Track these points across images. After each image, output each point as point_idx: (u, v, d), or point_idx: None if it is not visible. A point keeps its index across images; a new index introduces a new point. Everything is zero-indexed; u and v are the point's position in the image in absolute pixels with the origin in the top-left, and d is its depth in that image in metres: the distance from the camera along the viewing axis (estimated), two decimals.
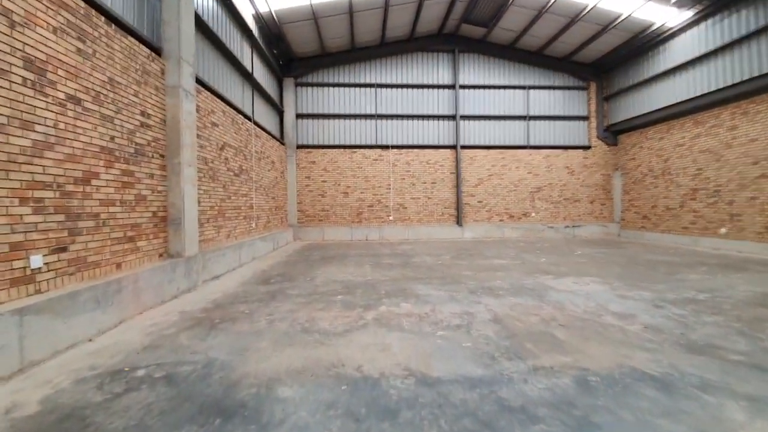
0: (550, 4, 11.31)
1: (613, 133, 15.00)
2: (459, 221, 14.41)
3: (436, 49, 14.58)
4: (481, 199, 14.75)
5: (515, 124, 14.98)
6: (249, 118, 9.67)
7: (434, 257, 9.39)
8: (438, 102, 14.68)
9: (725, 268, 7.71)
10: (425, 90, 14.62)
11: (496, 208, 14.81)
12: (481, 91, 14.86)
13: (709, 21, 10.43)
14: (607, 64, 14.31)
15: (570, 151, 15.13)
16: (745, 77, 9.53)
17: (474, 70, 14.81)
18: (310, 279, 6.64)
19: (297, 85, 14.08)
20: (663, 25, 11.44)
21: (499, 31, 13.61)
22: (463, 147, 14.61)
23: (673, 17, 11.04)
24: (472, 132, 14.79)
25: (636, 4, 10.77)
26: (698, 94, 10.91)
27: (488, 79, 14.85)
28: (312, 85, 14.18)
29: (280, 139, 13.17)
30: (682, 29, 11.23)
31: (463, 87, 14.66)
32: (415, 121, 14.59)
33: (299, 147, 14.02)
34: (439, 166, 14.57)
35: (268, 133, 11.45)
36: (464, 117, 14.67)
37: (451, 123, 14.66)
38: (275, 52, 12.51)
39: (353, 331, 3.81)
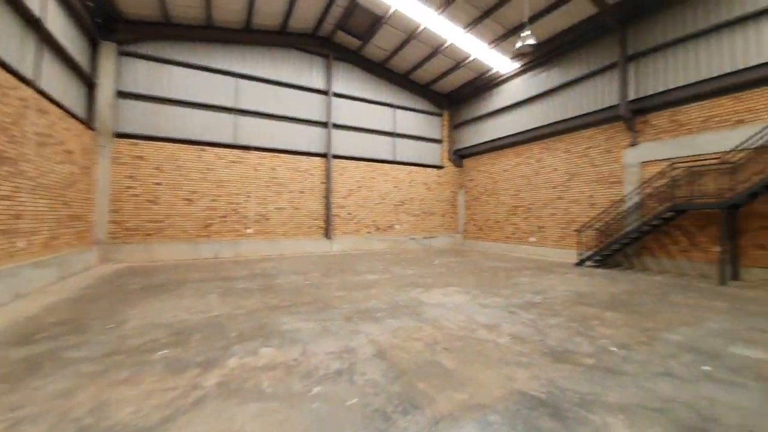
0: (419, 31, 12.23)
1: (459, 157, 17.44)
2: (328, 234, 13.71)
3: (311, 51, 13.72)
4: (350, 211, 14.50)
5: (384, 139, 15.53)
6: (27, 83, 6.43)
7: (302, 276, 8.30)
8: (310, 106, 13.76)
9: (541, 270, 9.55)
10: (297, 91, 13.48)
11: (365, 221, 14.84)
12: (355, 102, 14.79)
13: (531, 73, 13.30)
14: (457, 96, 16.60)
15: (428, 169, 16.73)
16: (548, 122, 12.53)
17: (348, 80, 14.64)
18: (115, 325, 4.45)
19: (123, 54, 10.63)
20: (498, 71, 14.00)
21: (373, 47, 13.91)
22: (335, 156, 14.11)
23: (506, 66, 13.62)
24: (344, 142, 14.47)
25: (482, 49, 12.84)
26: (518, 131, 13.76)
27: (362, 92, 14.93)
28: (146, 58, 10.96)
29: (87, 122, 9.53)
30: (511, 77, 14.01)
31: (336, 95, 14.24)
32: (285, 124, 13.21)
33: (120, 136, 10.49)
34: (309, 174, 13.58)
35: (65, 110, 8.03)
36: (337, 126, 14.24)
37: (324, 130, 13.97)
38: (90, 3, 9.07)
39: (178, 417, 2.40)
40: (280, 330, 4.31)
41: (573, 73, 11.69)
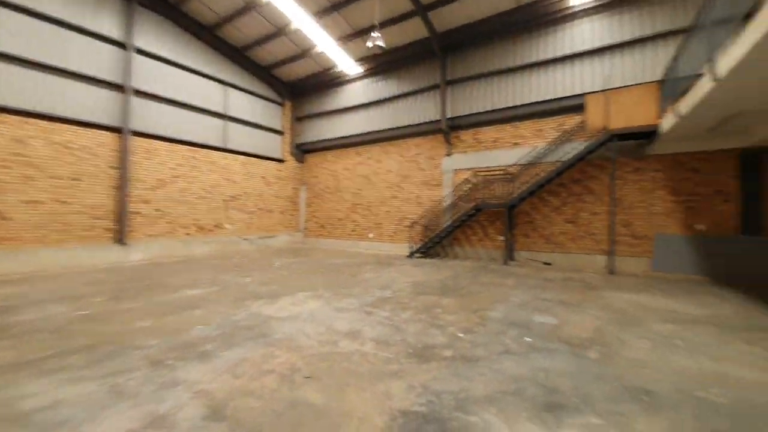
0: (261, 2, 10.59)
1: (302, 151, 16.64)
2: (122, 238, 10.09)
3: None
4: (160, 207, 11.23)
5: (212, 121, 12.87)
6: None
7: (72, 304, 5.53)
8: (97, 59, 9.71)
9: (381, 264, 10.07)
10: (71, 32, 9.19)
11: (183, 219, 11.87)
12: (171, 68, 11.53)
13: (372, 79, 13.95)
14: (301, 88, 15.72)
15: (267, 161, 15.11)
16: (385, 127, 13.53)
17: (162, 38, 11.24)
18: None
19: None
20: (343, 70, 14.04)
21: (200, 5, 11.21)
22: (137, 134, 10.55)
23: (351, 67, 13.80)
24: (153, 117, 11.02)
25: (329, 44, 12.50)
26: (359, 132, 14.28)
27: (181, 57, 11.79)
28: None
29: None
30: (355, 79, 14.33)
31: (141, 52, 10.65)
32: (46, 76, 8.75)
33: None
34: (90, 153, 9.60)
35: None
36: (141, 93, 10.66)
37: (118, 96, 10.15)
38: None
39: None
40: (17, 411, 2.44)
41: (406, 86, 13.00)
